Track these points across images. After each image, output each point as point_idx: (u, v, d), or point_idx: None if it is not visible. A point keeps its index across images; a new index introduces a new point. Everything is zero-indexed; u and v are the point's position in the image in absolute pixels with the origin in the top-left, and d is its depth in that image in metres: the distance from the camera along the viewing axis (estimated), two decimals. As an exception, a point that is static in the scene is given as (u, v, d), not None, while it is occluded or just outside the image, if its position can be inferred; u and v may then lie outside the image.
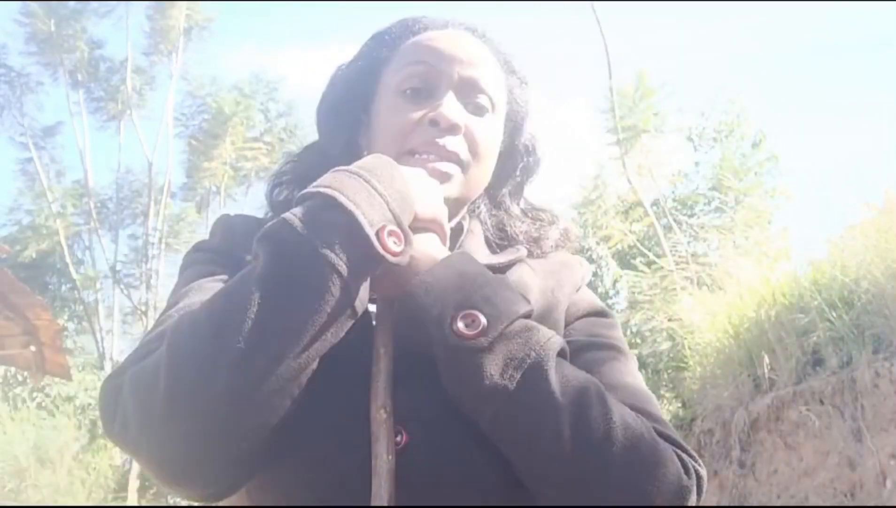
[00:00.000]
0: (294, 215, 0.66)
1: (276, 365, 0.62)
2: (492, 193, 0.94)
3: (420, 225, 0.74)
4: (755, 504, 4.10)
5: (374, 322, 0.75)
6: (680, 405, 5.27)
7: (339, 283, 0.64)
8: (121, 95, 17.87)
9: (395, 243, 0.68)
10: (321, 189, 0.67)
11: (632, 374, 0.80)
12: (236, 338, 0.62)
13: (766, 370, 4.20)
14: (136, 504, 10.89)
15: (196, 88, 18.53)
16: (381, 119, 0.86)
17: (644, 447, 0.67)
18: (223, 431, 0.63)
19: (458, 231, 0.89)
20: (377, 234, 0.66)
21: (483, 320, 0.68)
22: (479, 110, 0.86)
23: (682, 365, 5.27)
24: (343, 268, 0.64)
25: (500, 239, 0.91)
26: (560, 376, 0.68)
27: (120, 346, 17.42)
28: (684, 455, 0.70)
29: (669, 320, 5.99)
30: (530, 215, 0.96)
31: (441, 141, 0.82)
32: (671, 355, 5.82)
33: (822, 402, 3.80)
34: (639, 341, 6.72)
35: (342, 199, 0.66)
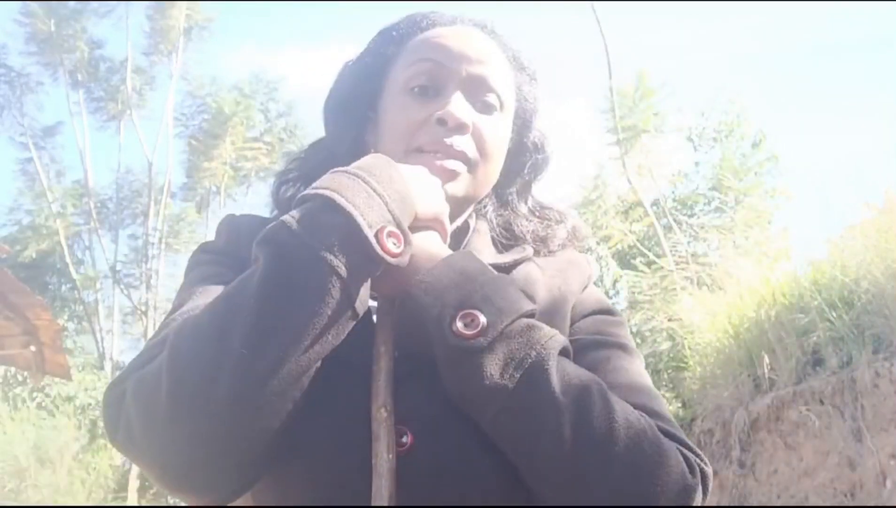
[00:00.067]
0: (293, 217, 0.66)
1: (278, 368, 0.62)
2: (499, 191, 0.94)
3: (421, 224, 0.74)
4: (755, 504, 4.10)
5: (374, 321, 0.75)
6: (680, 405, 5.26)
7: (339, 285, 0.64)
8: (121, 95, 17.87)
9: (394, 244, 0.67)
10: (320, 191, 0.67)
11: (637, 372, 0.79)
12: (237, 342, 0.62)
13: (766, 370, 4.20)
14: (136, 504, 10.89)
15: (196, 88, 18.55)
16: (389, 117, 0.86)
17: (647, 445, 0.66)
18: (226, 435, 0.63)
19: (464, 230, 0.88)
20: (376, 235, 0.66)
21: (483, 319, 0.67)
22: (487, 109, 0.85)
23: (682, 365, 5.27)
24: (343, 270, 0.64)
25: (507, 238, 0.91)
26: (561, 375, 0.67)
27: (120, 346, 17.45)
28: (689, 454, 0.70)
29: (669, 320, 5.99)
30: (538, 213, 0.95)
31: (449, 140, 0.81)
32: (671, 355, 5.81)
33: (822, 402, 3.81)
34: (639, 341, 6.72)
35: (341, 200, 0.66)
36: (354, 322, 0.67)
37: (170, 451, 0.64)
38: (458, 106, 0.82)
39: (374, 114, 0.89)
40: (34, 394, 11.67)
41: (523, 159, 0.94)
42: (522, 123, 0.93)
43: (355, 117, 0.90)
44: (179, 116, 18.44)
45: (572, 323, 0.83)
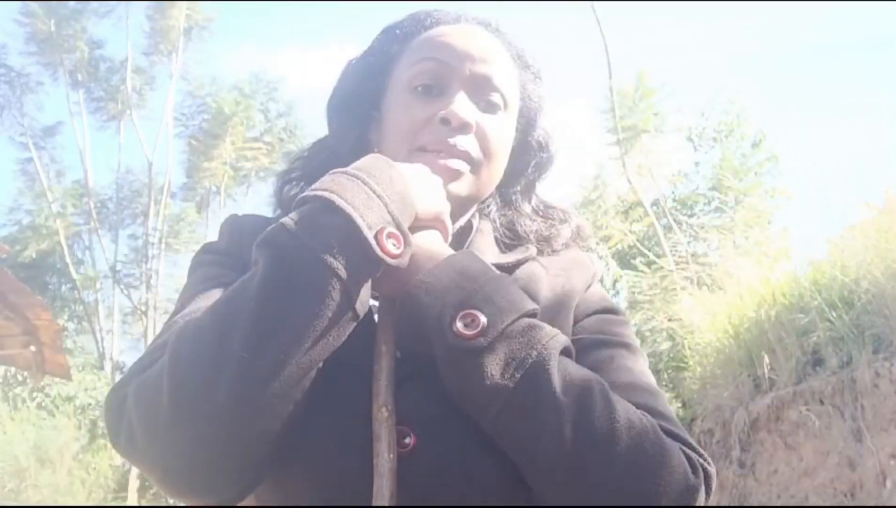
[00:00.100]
0: (292, 219, 0.66)
1: (279, 371, 0.62)
2: (503, 191, 0.93)
3: (422, 223, 0.74)
4: (755, 504, 4.10)
5: (376, 321, 0.74)
6: (680, 405, 5.26)
7: (339, 286, 0.64)
8: (121, 95, 17.87)
9: (394, 245, 0.67)
10: (319, 192, 0.67)
11: (640, 371, 0.79)
12: (237, 345, 0.62)
13: (766, 370, 4.20)
14: (136, 504, 10.89)
15: (196, 88, 18.55)
16: (392, 116, 0.85)
17: (649, 445, 0.66)
18: (228, 438, 0.63)
19: (467, 230, 0.88)
20: (376, 236, 0.66)
21: (483, 319, 0.67)
22: (490, 108, 0.85)
23: (682, 365, 5.27)
24: (342, 271, 0.64)
25: (510, 238, 0.90)
26: (563, 375, 0.67)
27: (120, 346, 17.45)
28: (692, 453, 0.69)
29: (669, 320, 5.99)
30: (541, 212, 0.94)
31: (452, 140, 0.81)
32: (671, 355, 5.81)
33: (822, 402, 3.81)
34: (639, 341, 6.69)
35: (340, 202, 0.66)
36: (355, 323, 0.67)
37: (172, 455, 0.64)
38: (461, 105, 0.81)
39: (377, 113, 0.89)
40: (34, 394, 11.67)
41: (527, 159, 0.93)
42: (527, 122, 0.92)
43: (359, 116, 0.89)
44: (179, 116, 18.46)
45: (576, 322, 0.83)
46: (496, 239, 0.89)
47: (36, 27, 17.05)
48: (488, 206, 0.92)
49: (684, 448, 0.69)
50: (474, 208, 0.89)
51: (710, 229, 8.84)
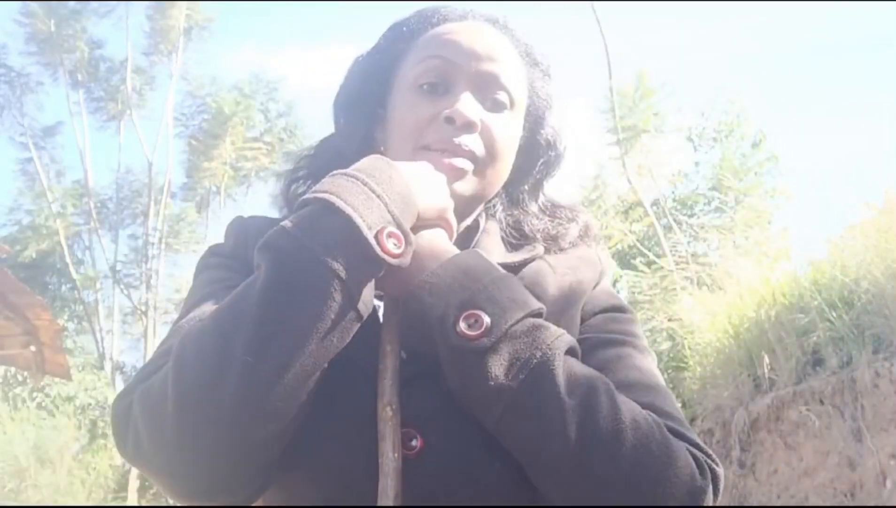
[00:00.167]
0: (293, 221, 0.66)
1: (283, 373, 0.62)
2: (510, 189, 0.92)
3: (426, 222, 0.73)
4: (755, 504, 4.10)
5: (381, 320, 0.74)
6: (680, 405, 5.25)
7: (341, 288, 0.64)
8: (121, 95, 17.88)
9: (395, 244, 0.67)
10: (319, 194, 0.67)
11: (647, 370, 0.78)
12: (241, 349, 0.61)
13: (766, 370, 4.20)
14: (136, 504, 10.89)
15: (196, 88, 18.56)
16: (397, 114, 0.85)
17: (655, 446, 0.65)
18: (234, 442, 0.63)
19: (474, 229, 0.87)
20: (376, 236, 0.66)
21: (486, 319, 0.67)
22: (496, 107, 0.84)
23: (682, 365, 5.27)
24: (343, 272, 0.64)
25: (517, 238, 0.89)
26: (568, 375, 0.66)
27: (120, 346, 17.46)
28: (699, 454, 0.68)
29: (669, 320, 5.99)
30: (549, 211, 0.93)
31: (457, 139, 0.80)
32: (671, 355, 5.81)
33: (822, 402, 3.80)
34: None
35: (340, 203, 0.65)
36: (359, 324, 0.67)
37: (178, 461, 0.63)
38: (466, 104, 0.81)
39: (383, 111, 0.88)
40: (34, 394, 11.67)
41: (535, 157, 0.92)
42: (534, 120, 0.91)
43: (365, 114, 0.89)
44: (179, 116, 18.48)
45: (583, 320, 0.82)
46: (503, 239, 0.88)
47: (36, 27, 17.05)
48: (494, 205, 0.92)
49: (691, 448, 0.68)
50: (481, 208, 0.89)
51: (710, 229, 8.83)
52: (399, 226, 0.68)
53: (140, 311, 17.19)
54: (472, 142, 0.81)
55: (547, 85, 0.92)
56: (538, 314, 0.70)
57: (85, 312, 17.62)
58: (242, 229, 0.86)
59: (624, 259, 8.65)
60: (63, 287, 18.07)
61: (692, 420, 4.82)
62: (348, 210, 0.65)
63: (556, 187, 0.97)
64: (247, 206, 18.57)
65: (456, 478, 0.68)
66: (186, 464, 0.63)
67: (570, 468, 0.65)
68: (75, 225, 17.98)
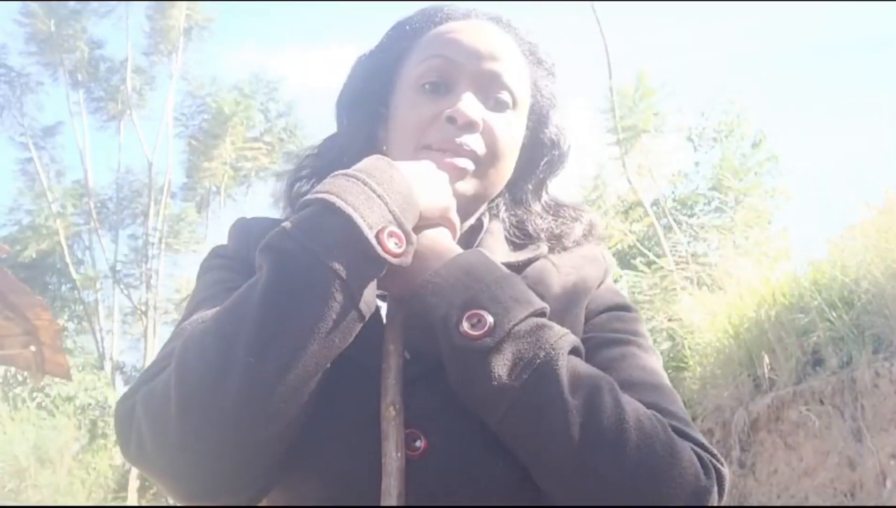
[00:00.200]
0: (293, 222, 0.66)
1: (285, 374, 0.62)
2: (513, 189, 0.91)
3: (429, 222, 0.73)
4: (755, 504, 4.10)
5: (384, 320, 0.74)
6: (680, 405, 5.25)
7: (342, 288, 0.63)
8: (121, 95, 17.88)
9: (395, 244, 0.67)
10: (319, 195, 0.67)
11: (652, 370, 0.77)
12: (242, 350, 0.61)
13: (766, 370, 4.20)
14: (136, 504, 10.89)
15: (196, 88, 18.56)
16: (399, 114, 0.85)
17: (659, 446, 0.65)
18: (237, 444, 0.63)
19: (477, 229, 0.87)
20: (377, 236, 0.65)
21: (489, 319, 0.66)
22: (499, 106, 0.83)
23: (682, 365, 5.26)
24: (343, 272, 0.64)
25: (520, 237, 0.89)
26: (571, 375, 0.66)
27: (120, 346, 17.47)
28: (704, 454, 0.68)
29: (669, 320, 5.98)
30: (552, 210, 0.93)
31: (458, 139, 0.80)
32: (671, 355, 5.81)
33: (822, 402, 3.80)
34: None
35: (340, 203, 0.65)
36: (361, 324, 0.66)
37: (182, 463, 0.63)
38: (467, 104, 0.80)
39: (386, 110, 0.88)
40: (34, 394, 11.67)
41: (539, 156, 0.92)
42: (538, 119, 0.91)
43: (368, 113, 0.88)
44: (179, 116, 18.48)
45: (587, 319, 0.82)
46: (506, 238, 0.88)
47: (36, 27, 17.06)
48: (498, 205, 0.91)
49: (696, 448, 0.68)
50: (484, 207, 0.88)
51: (710, 229, 8.83)
52: (400, 225, 0.68)
53: (140, 311, 17.19)
54: (474, 142, 0.81)
55: (551, 83, 0.92)
56: (541, 314, 0.70)
57: (85, 312, 17.62)
58: (245, 231, 0.86)
59: (624, 259, 8.65)
60: (63, 287, 18.08)
61: (692, 420, 4.82)
62: (349, 210, 0.65)
63: (557, 187, 0.96)
64: (247, 206, 18.60)
65: (460, 479, 0.68)
66: (190, 466, 0.63)
67: (574, 468, 0.64)
68: (75, 225, 17.98)
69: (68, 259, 17.19)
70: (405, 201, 0.70)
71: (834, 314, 3.92)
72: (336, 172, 0.71)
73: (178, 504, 0.68)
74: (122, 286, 17.57)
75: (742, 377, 4.37)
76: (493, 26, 0.87)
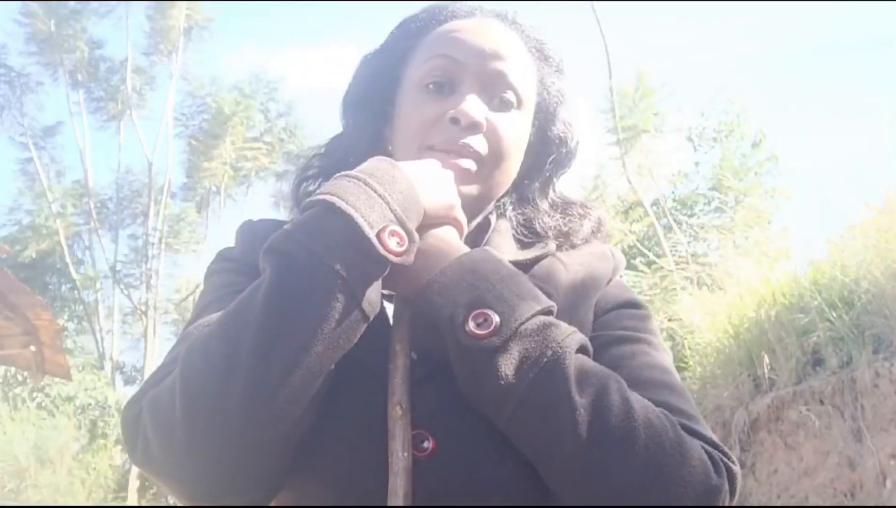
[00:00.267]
0: (295, 224, 0.66)
1: (289, 376, 0.62)
2: (521, 187, 0.91)
3: (434, 220, 0.73)
4: (755, 504, 4.10)
5: (391, 320, 0.74)
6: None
7: (344, 288, 0.63)
8: (121, 95, 17.89)
9: (397, 243, 0.67)
10: (321, 196, 0.67)
11: (661, 368, 0.76)
12: (246, 353, 0.61)
13: (766, 370, 4.20)
14: (136, 504, 10.90)
15: (196, 88, 18.56)
16: (403, 114, 0.84)
17: (668, 444, 0.64)
18: (243, 446, 0.63)
19: (484, 228, 0.87)
20: (378, 235, 0.65)
21: (496, 318, 0.66)
22: (504, 106, 0.83)
23: (682, 365, 5.26)
24: (345, 272, 0.63)
25: (527, 236, 0.88)
26: (578, 373, 0.66)
27: (120, 346, 17.48)
28: (714, 452, 0.67)
29: (669, 320, 5.98)
30: (560, 208, 0.92)
31: (462, 140, 0.79)
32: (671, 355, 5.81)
33: (822, 402, 3.80)
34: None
35: (341, 204, 0.65)
36: (365, 324, 0.66)
37: (188, 467, 0.63)
38: (471, 105, 0.79)
39: (391, 109, 0.87)
40: (34, 394, 11.67)
41: (546, 154, 0.91)
42: (545, 117, 0.90)
43: (373, 112, 0.88)
44: (179, 116, 18.49)
45: (596, 317, 0.81)
46: (514, 236, 0.87)
47: (36, 27, 17.07)
48: (505, 203, 0.91)
49: (706, 446, 0.68)
50: (490, 207, 0.88)
51: (710, 229, 8.83)
52: (402, 224, 0.68)
53: (140, 311, 17.20)
54: (478, 142, 0.80)
55: (558, 80, 0.91)
56: (548, 312, 0.69)
57: (85, 312, 17.63)
58: (251, 233, 0.86)
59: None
60: (63, 287, 18.08)
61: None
62: (349, 210, 0.65)
63: (556, 187, 0.96)
64: (247, 206, 18.60)
65: (468, 479, 0.67)
66: (196, 469, 0.63)
67: (582, 467, 0.64)
68: (75, 225, 17.99)
69: (68, 259, 17.20)
70: (407, 200, 0.69)
71: (834, 314, 3.92)
72: (338, 174, 0.71)
73: (182, 506, 0.68)
74: (122, 286, 17.59)
75: (742, 377, 4.37)
76: (498, 24, 0.86)
